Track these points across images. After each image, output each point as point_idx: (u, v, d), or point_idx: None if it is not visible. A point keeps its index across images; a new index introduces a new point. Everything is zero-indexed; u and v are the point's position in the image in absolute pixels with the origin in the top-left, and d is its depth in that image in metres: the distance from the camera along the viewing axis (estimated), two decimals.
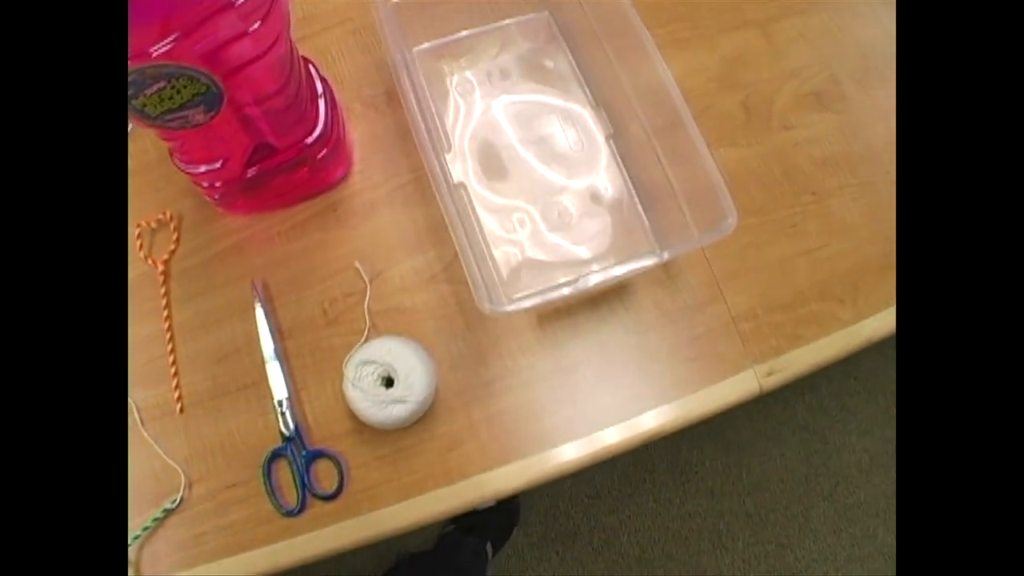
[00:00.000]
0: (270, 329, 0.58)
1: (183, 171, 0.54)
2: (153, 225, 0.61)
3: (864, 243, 0.64)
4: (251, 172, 0.56)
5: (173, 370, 0.58)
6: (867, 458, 1.40)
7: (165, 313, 0.59)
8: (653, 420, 0.57)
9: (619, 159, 0.63)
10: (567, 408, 0.57)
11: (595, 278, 0.51)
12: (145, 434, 0.56)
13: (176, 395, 0.57)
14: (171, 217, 0.61)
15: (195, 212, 0.61)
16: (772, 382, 0.59)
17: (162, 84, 0.43)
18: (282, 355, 0.58)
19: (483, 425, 0.57)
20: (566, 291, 0.50)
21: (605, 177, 0.63)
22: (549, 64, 0.66)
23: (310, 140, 0.56)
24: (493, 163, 0.63)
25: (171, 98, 0.44)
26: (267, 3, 0.43)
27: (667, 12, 0.70)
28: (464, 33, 0.67)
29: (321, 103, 0.57)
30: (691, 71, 0.68)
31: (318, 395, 0.58)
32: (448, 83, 0.66)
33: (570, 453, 0.56)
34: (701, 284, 0.61)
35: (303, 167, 0.58)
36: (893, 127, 0.67)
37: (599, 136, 0.64)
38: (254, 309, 0.59)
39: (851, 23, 0.71)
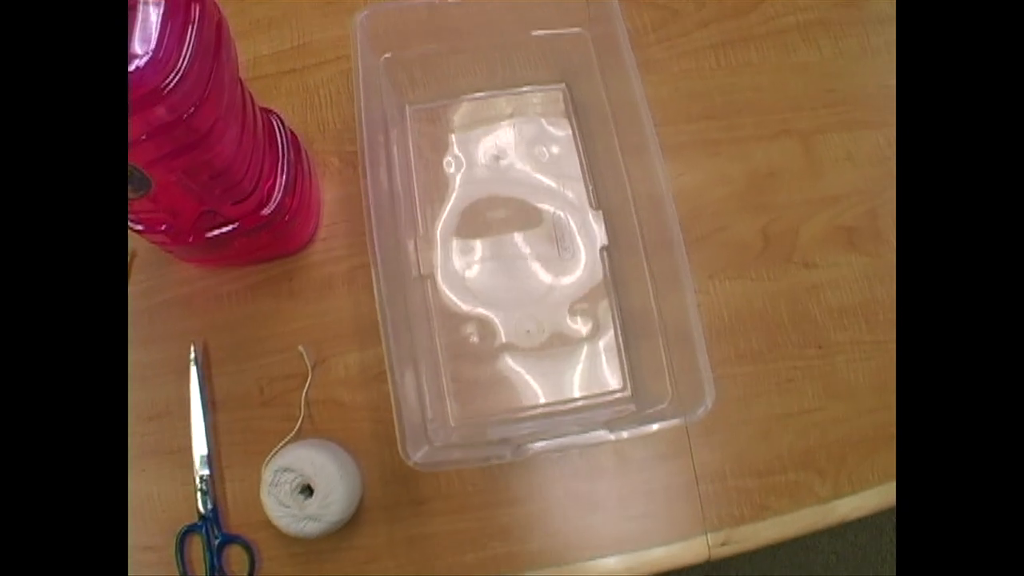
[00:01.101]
0: (202, 399, 0.55)
1: (131, 228, 0.50)
2: None
3: (864, 411, 0.58)
4: (195, 237, 0.52)
5: None
6: None
7: None
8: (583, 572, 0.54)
9: (610, 277, 0.58)
10: (496, 544, 0.54)
11: (540, 445, 0.47)
12: None
13: None
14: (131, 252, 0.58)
15: (150, 252, 0.58)
16: (724, 552, 0.55)
17: None
18: (211, 428, 0.55)
19: (403, 546, 0.54)
20: (507, 455, 0.46)
21: (590, 296, 0.58)
22: (554, 150, 0.60)
23: (266, 212, 0.52)
24: (464, 258, 0.58)
25: None
26: (201, 87, 0.39)
27: (703, 106, 0.63)
28: (468, 96, 0.61)
29: (282, 173, 0.52)
30: (714, 181, 0.61)
31: (242, 477, 0.55)
32: (436, 153, 0.60)
33: None
34: (670, 433, 0.56)
35: (262, 233, 0.54)
36: None
37: (593, 245, 0.58)
38: (196, 371, 0.56)
39: None
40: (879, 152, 0.63)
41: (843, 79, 0.64)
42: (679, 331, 0.50)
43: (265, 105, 0.55)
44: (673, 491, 0.55)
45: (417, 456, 0.45)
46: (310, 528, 0.50)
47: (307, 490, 0.52)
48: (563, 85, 0.62)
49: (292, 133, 0.55)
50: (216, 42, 0.40)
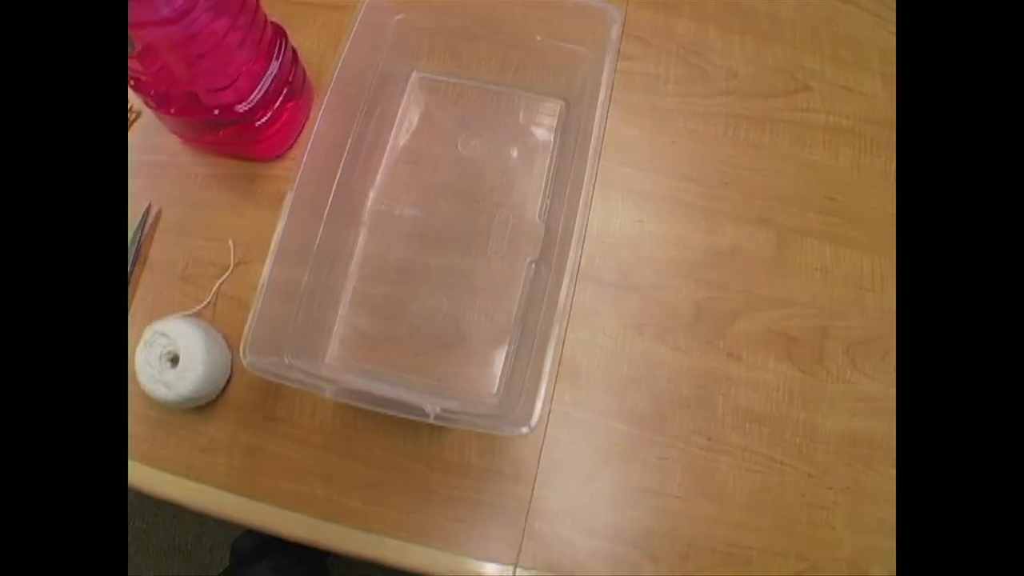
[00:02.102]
0: (132, 253, 0.61)
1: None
2: None
3: (727, 521, 0.56)
4: (176, 110, 0.58)
5: None
6: None
7: None
8: (374, 545, 0.55)
9: (527, 290, 0.59)
10: (317, 486, 0.56)
11: (357, 389, 0.48)
12: None
13: None
14: (131, 110, 0.65)
15: (150, 118, 0.65)
16: None
17: None
18: (130, 280, 0.61)
19: (239, 450, 0.57)
20: (326, 391, 0.48)
21: (502, 301, 0.59)
22: (528, 157, 0.62)
23: (239, 109, 0.57)
24: (404, 223, 0.61)
25: None
26: None
27: (693, 167, 0.62)
28: (474, 82, 0.64)
29: (269, 78, 0.57)
30: (672, 240, 0.61)
31: (133, 332, 0.60)
32: (423, 122, 0.64)
33: (291, 520, 0.56)
34: (521, 457, 0.56)
35: (232, 128, 0.59)
36: (853, 427, 0.57)
37: (523, 255, 0.60)
38: (139, 225, 0.62)
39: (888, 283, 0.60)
40: (857, 276, 0.60)
41: (848, 192, 0.62)
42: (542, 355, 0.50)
43: (297, 30, 0.61)
44: (502, 513, 0.55)
45: (253, 359, 0.48)
46: (161, 392, 0.55)
47: (175, 360, 0.56)
48: (562, 103, 0.63)
49: (294, 51, 0.60)
50: None
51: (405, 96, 0.65)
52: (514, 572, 0.54)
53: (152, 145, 0.65)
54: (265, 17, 0.56)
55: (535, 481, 0.56)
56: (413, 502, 0.56)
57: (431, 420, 0.46)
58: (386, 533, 0.55)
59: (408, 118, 0.64)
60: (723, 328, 0.59)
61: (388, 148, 0.63)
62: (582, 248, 0.59)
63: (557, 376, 0.57)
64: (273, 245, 0.50)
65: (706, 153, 0.63)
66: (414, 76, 0.65)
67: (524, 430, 0.45)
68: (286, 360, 0.52)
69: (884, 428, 0.58)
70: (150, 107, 0.59)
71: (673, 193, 0.62)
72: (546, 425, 0.57)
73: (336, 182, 0.56)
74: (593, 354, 0.59)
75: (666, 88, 0.64)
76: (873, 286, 0.60)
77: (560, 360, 0.57)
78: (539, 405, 0.45)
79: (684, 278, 0.60)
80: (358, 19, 0.54)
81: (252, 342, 0.48)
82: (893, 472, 0.57)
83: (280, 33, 0.59)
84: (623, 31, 0.65)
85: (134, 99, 0.63)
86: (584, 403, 0.58)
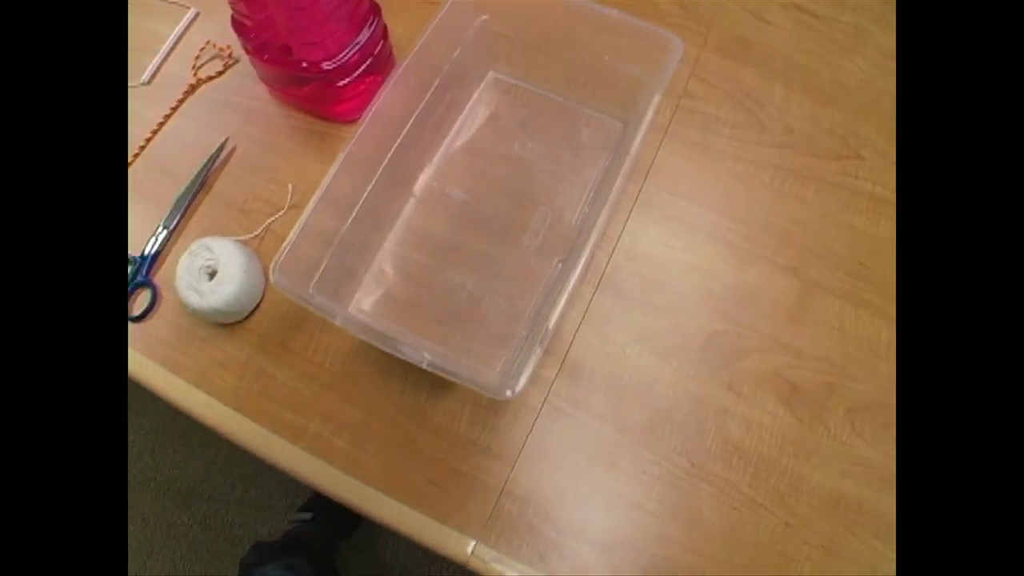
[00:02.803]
0: (199, 177, 0.68)
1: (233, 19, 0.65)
2: (217, 49, 0.74)
3: (695, 550, 0.56)
4: (269, 57, 0.64)
5: (138, 148, 0.71)
6: None
7: (167, 112, 0.71)
8: (349, 487, 0.58)
9: (549, 285, 0.62)
10: (314, 422, 0.59)
11: (366, 323, 0.52)
12: None
13: None
14: (230, 55, 0.73)
15: (247, 65, 0.72)
16: (481, 569, 0.56)
17: None
18: (191, 202, 0.67)
19: (250, 372, 0.61)
20: (337, 318, 0.52)
21: (523, 291, 0.62)
22: (577, 165, 0.66)
23: (327, 66, 0.63)
24: (450, 201, 0.66)
25: None
26: None
27: (733, 207, 0.65)
28: (543, 90, 0.69)
29: (357, 45, 0.63)
30: (698, 269, 0.63)
31: (185, 247, 0.66)
32: (489, 118, 0.69)
33: (280, 447, 0.59)
34: (507, 439, 0.59)
35: (314, 84, 0.65)
36: (841, 488, 0.58)
37: (554, 253, 0.63)
38: (212, 156, 0.69)
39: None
40: (873, 342, 0.61)
41: (881, 261, 0.64)
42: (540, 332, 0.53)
43: (392, 13, 0.67)
44: (477, 487, 0.58)
45: (280, 277, 0.52)
46: (193, 300, 0.60)
47: (213, 275, 0.61)
48: (621, 125, 0.68)
49: (385, 28, 0.66)
50: None
51: (478, 92, 0.70)
52: (473, 548, 0.56)
53: (242, 88, 0.72)
54: None
55: (515, 463, 0.58)
56: (397, 456, 0.58)
57: (424, 365, 0.50)
58: (364, 480, 0.58)
59: (476, 112, 0.69)
60: (730, 362, 0.61)
61: (451, 134, 0.68)
62: (609, 259, 0.63)
63: (559, 371, 0.60)
64: (318, 192, 0.55)
65: (749, 196, 0.66)
66: (490, 75, 0.71)
67: (508, 393, 0.48)
68: (311, 290, 0.56)
69: (873, 497, 0.58)
70: (247, 52, 0.66)
71: (709, 226, 0.65)
72: (538, 413, 0.59)
73: (393, 150, 0.61)
74: (599, 358, 0.61)
75: (721, 130, 0.68)
76: (888, 355, 0.61)
77: (565, 357, 0.61)
78: (526, 374, 0.48)
79: (703, 307, 0.62)
80: (443, 10, 0.60)
81: (282, 264, 0.52)
82: (875, 542, 0.56)
83: (376, 9, 0.65)
84: (692, 71, 0.69)
85: (234, 44, 0.70)
86: (579, 402, 0.60)
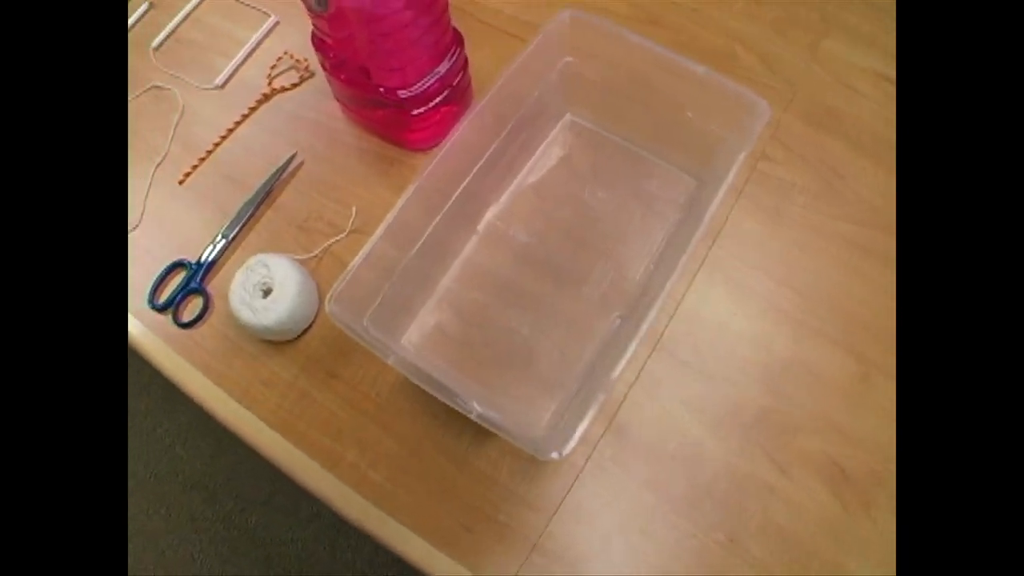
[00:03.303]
0: (264, 189, 0.68)
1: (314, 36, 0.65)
2: (294, 60, 0.74)
3: None
4: (346, 77, 0.65)
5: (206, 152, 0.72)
6: None
7: (238, 119, 0.72)
8: (379, 521, 0.58)
9: (604, 340, 0.62)
10: (350, 451, 0.59)
11: (416, 363, 0.52)
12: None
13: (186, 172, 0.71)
14: (307, 68, 0.74)
15: (322, 81, 0.73)
16: None
17: None
18: (253, 212, 0.68)
19: (293, 393, 0.62)
20: (390, 358, 0.52)
21: (578, 341, 0.62)
22: (648, 221, 0.66)
23: (403, 94, 0.64)
24: (512, 242, 0.65)
25: None
26: None
27: (798, 278, 0.64)
28: (619, 138, 0.69)
29: (436, 75, 0.64)
30: (756, 339, 0.62)
31: (241, 259, 0.67)
32: (560, 160, 0.69)
33: (314, 472, 0.59)
34: (547, 492, 0.58)
35: (389, 110, 0.66)
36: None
37: (612, 308, 0.63)
38: (279, 168, 0.69)
39: None
40: None
41: None
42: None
43: (474, 44, 0.68)
44: (510, 536, 0.57)
45: (336, 308, 0.53)
46: (245, 315, 0.60)
47: (267, 292, 0.62)
48: (696, 182, 0.67)
49: (466, 60, 0.66)
50: None
51: (553, 133, 0.70)
52: None
53: (315, 103, 0.73)
54: (450, 21, 0.63)
55: (552, 518, 0.58)
56: (432, 497, 0.58)
57: (473, 417, 0.49)
58: (396, 516, 0.58)
59: (549, 153, 0.69)
60: (779, 439, 0.60)
61: (522, 173, 0.68)
62: (668, 321, 0.62)
63: (606, 430, 0.60)
64: (385, 222, 0.55)
65: (817, 269, 0.64)
66: (567, 117, 0.70)
67: (554, 455, 0.47)
68: (364, 323, 0.57)
69: None
70: (324, 68, 0.66)
71: (773, 296, 0.64)
72: (581, 470, 0.59)
73: (463, 186, 0.61)
74: (646, 421, 0.60)
75: (797, 198, 0.67)
76: None
77: (614, 417, 0.60)
78: (575, 437, 0.47)
79: (757, 381, 0.61)
80: (528, 49, 0.60)
81: (340, 294, 0.53)
82: None
83: (458, 40, 0.65)
84: (774, 134, 0.69)
85: (312, 58, 0.71)
86: (623, 463, 0.59)
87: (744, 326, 0.63)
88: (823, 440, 0.60)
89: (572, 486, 0.59)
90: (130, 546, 1.34)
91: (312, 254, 0.66)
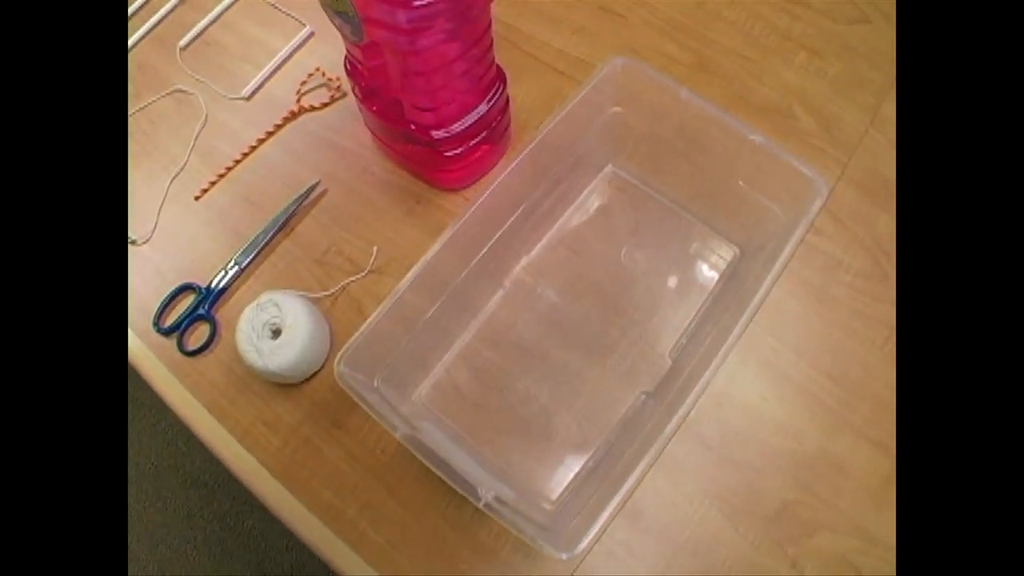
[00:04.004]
0: (283, 215, 0.66)
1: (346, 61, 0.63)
2: (326, 78, 0.72)
3: None
4: (377, 107, 0.62)
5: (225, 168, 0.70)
6: None
7: (262, 136, 0.70)
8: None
9: (625, 416, 0.59)
10: (352, 510, 0.58)
11: (432, 437, 0.50)
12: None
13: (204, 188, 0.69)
14: (338, 88, 0.71)
15: (354, 103, 0.70)
16: None
17: None
18: (269, 241, 0.66)
19: (296, 440, 0.60)
20: (399, 429, 0.50)
21: (600, 413, 0.60)
22: (683, 289, 0.63)
23: (436, 134, 0.61)
24: (536, 303, 0.63)
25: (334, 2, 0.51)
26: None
27: (833, 362, 0.62)
28: (661, 198, 0.66)
29: (474, 116, 0.61)
30: (785, 428, 0.60)
31: (253, 289, 0.65)
32: (597, 212, 0.66)
33: (311, 526, 0.58)
34: (550, 573, 0.57)
35: (421, 148, 0.63)
36: None
37: (638, 382, 0.60)
38: (300, 196, 0.67)
39: None
40: None
41: None
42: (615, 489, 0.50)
43: (517, 79, 0.65)
44: None
45: (345, 371, 0.51)
46: (251, 357, 0.58)
47: (276, 333, 0.60)
48: (737, 250, 0.64)
49: (507, 102, 0.63)
50: None
51: (592, 184, 0.67)
52: None
53: (344, 128, 0.70)
54: (493, 58, 0.60)
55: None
56: (431, 565, 0.56)
57: (480, 505, 0.47)
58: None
59: (587, 206, 0.66)
60: (798, 536, 0.57)
61: (556, 225, 0.65)
62: (696, 400, 0.60)
63: (619, 512, 0.58)
64: (415, 270, 0.53)
65: (856, 357, 0.62)
66: (608, 168, 0.67)
67: (564, 556, 0.45)
68: (376, 383, 0.54)
69: None
70: (353, 93, 0.64)
71: (807, 383, 0.61)
72: (587, 553, 0.57)
73: (496, 237, 0.59)
74: (662, 506, 0.58)
75: (843, 277, 0.64)
76: None
77: (629, 498, 0.58)
78: (590, 536, 0.45)
79: (783, 472, 0.59)
80: (578, 96, 0.57)
81: (352, 354, 0.51)
82: None
83: (501, 78, 0.62)
84: (824, 204, 0.65)
85: (344, 81, 0.68)
86: (633, 549, 0.57)
87: (775, 412, 0.61)
88: (844, 540, 0.57)
89: (576, 569, 0.57)
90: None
91: (328, 292, 0.64)
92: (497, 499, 0.47)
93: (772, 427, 0.60)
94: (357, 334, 0.51)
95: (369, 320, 0.51)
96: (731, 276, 0.63)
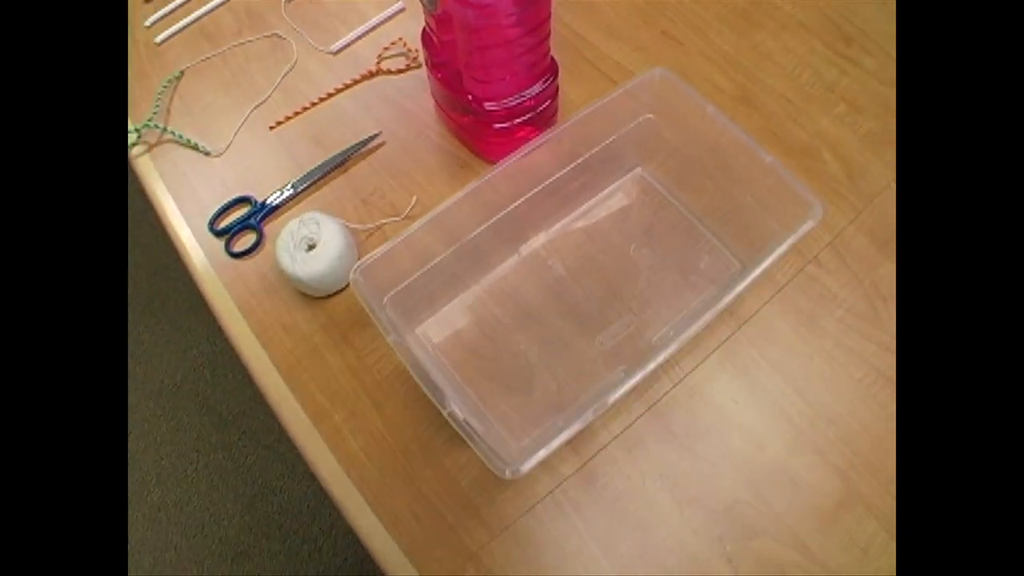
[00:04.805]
0: (337, 157, 0.75)
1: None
2: (406, 48, 0.81)
3: None
4: (442, 75, 0.71)
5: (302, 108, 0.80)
6: None
7: (339, 87, 0.80)
8: (340, 483, 0.63)
9: (604, 387, 0.65)
10: (340, 411, 0.65)
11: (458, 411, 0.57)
12: None
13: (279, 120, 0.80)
14: (414, 59, 0.81)
15: (422, 75, 0.79)
16: None
17: None
18: (325, 174, 0.75)
19: (306, 346, 0.68)
20: (390, 337, 0.57)
21: (578, 378, 0.66)
22: (689, 286, 0.69)
23: (489, 106, 0.69)
24: (547, 271, 0.70)
25: None
26: None
27: (814, 393, 0.66)
28: (678, 204, 0.72)
29: (525, 96, 0.69)
30: (751, 438, 0.64)
31: (301, 212, 0.73)
32: (616, 206, 0.73)
33: (298, 421, 0.65)
34: (501, 511, 0.62)
35: (472, 118, 0.71)
36: None
37: (622, 359, 0.66)
38: (361, 142, 0.76)
39: None
40: None
41: None
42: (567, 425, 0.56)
43: (570, 77, 0.73)
44: (453, 541, 0.60)
45: (360, 278, 0.58)
46: (284, 261, 0.67)
47: (311, 247, 0.68)
48: (740, 265, 0.70)
49: (557, 89, 0.71)
50: None
51: (620, 182, 0.74)
52: None
53: (412, 93, 0.79)
54: (548, 49, 0.68)
55: (496, 536, 0.61)
56: (397, 478, 0.63)
57: (445, 413, 0.54)
58: (357, 485, 0.63)
59: (610, 200, 0.73)
60: (740, 535, 0.61)
61: (578, 211, 0.72)
62: (671, 388, 0.65)
63: (576, 472, 0.63)
64: (431, 212, 0.60)
65: (832, 385, 0.66)
66: (637, 171, 0.74)
67: (508, 472, 0.52)
68: (384, 301, 0.62)
69: None
70: (425, 63, 0.73)
71: (780, 398, 0.65)
72: (539, 501, 0.62)
73: (517, 204, 0.66)
74: (617, 476, 0.63)
75: (835, 310, 0.68)
76: None
77: (588, 462, 0.64)
78: (535, 459, 0.51)
79: (738, 473, 0.63)
80: (615, 93, 0.64)
81: (368, 267, 0.58)
82: None
83: (554, 69, 0.70)
84: (832, 242, 0.71)
85: (420, 53, 0.78)
86: (581, 508, 0.62)
87: (743, 417, 0.65)
88: (783, 551, 0.61)
89: (525, 514, 0.62)
90: (132, 445, 1.45)
91: (365, 227, 0.72)
92: (458, 416, 0.53)
93: (737, 430, 0.65)
94: (375, 251, 0.58)
95: (386, 244, 0.59)
96: (726, 286, 0.69)
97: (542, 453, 0.52)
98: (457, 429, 0.54)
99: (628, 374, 0.64)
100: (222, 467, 1.43)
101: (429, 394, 0.54)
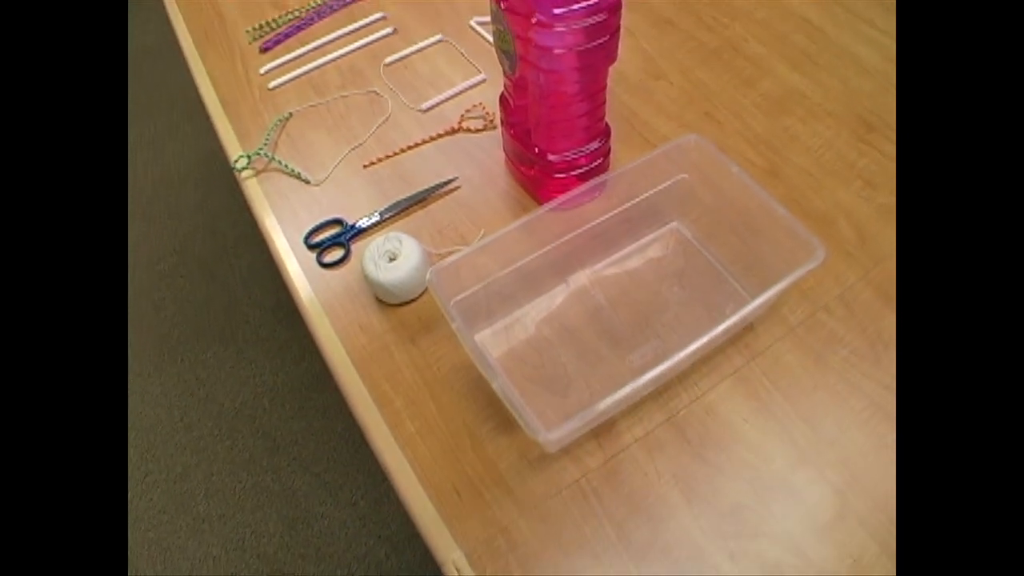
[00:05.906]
0: (424, 194, 0.91)
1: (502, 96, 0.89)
2: (484, 112, 0.99)
3: None
4: (513, 132, 0.87)
5: (393, 152, 0.96)
6: None
7: (426, 138, 0.97)
8: (394, 455, 0.75)
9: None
10: (400, 399, 0.78)
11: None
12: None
13: (372, 161, 0.96)
14: (491, 122, 0.98)
15: (499, 134, 0.95)
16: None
17: (499, 27, 0.76)
18: (408, 206, 0.91)
19: (377, 344, 0.81)
20: (455, 324, 0.70)
21: (607, 387, 0.77)
22: (711, 322, 0.81)
23: (551, 157, 0.84)
24: (593, 302, 0.83)
25: (500, 39, 0.78)
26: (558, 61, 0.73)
27: (819, 422, 0.76)
28: (707, 253, 0.85)
29: (581, 152, 0.84)
30: (758, 452, 0.74)
31: (384, 233, 0.88)
32: (653, 254, 0.86)
33: (365, 404, 0.78)
34: (531, 491, 0.73)
35: (536, 168, 0.87)
36: None
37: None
38: (441, 183, 0.92)
39: None
40: None
41: None
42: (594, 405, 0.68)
43: (620, 141, 0.88)
44: (488, 514, 0.70)
45: (434, 276, 0.72)
46: (370, 268, 0.81)
47: (392, 259, 0.82)
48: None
49: (608, 151, 0.87)
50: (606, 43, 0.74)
51: (659, 232, 0.87)
52: (456, 557, 0.70)
53: (487, 148, 0.96)
54: (604, 115, 0.84)
55: (525, 512, 0.72)
56: (444, 457, 0.74)
57: (494, 386, 0.66)
58: (410, 461, 0.74)
59: (648, 248, 0.86)
60: (742, 535, 0.70)
61: (619, 254, 0.86)
62: (689, 404, 0.76)
63: (601, 466, 0.74)
64: (490, 236, 0.75)
65: (834, 414, 0.75)
66: (674, 224, 0.88)
67: (540, 436, 0.63)
68: (451, 302, 0.76)
69: None
70: (502, 123, 0.89)
71: (786, 421, 0.76)
72: (565, 487, 0.73)
73: (566, 239, 0.80)
74: (636, 473, 0.74)
75: (840, 350, 0.79)
76: None
77: (612, 458, 0.75)
78: (564, 430, 0.63)
79: (744, 479, 0.73)
80: (654, 153, 0.79)
81: (442, 269, 0.72)
82: None
83: (607, 131, 0.86)
84: (841, 294, 0.82)
85: (498, 116, 0.94)
86: (602, 498, 0.72)
87: (752, 435, 0.76)
88: (780, 552, 0.70)
89: (552, 496, 0.73)
90: (186, 459, 1.59)
91: (439, 251, 0.87)
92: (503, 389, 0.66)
93: (745, 444, 0.75)
94: (445, 260, 0.73)
95: (455, 255, 0.73)
96: (736, 310, 0.80)
97: (573, 423, 0.64)
98: (501, 398, 0.66)
99: (654, 360, 0.76)
100: (269, 489, 1.55)
101: (481, 369, 0.67)
